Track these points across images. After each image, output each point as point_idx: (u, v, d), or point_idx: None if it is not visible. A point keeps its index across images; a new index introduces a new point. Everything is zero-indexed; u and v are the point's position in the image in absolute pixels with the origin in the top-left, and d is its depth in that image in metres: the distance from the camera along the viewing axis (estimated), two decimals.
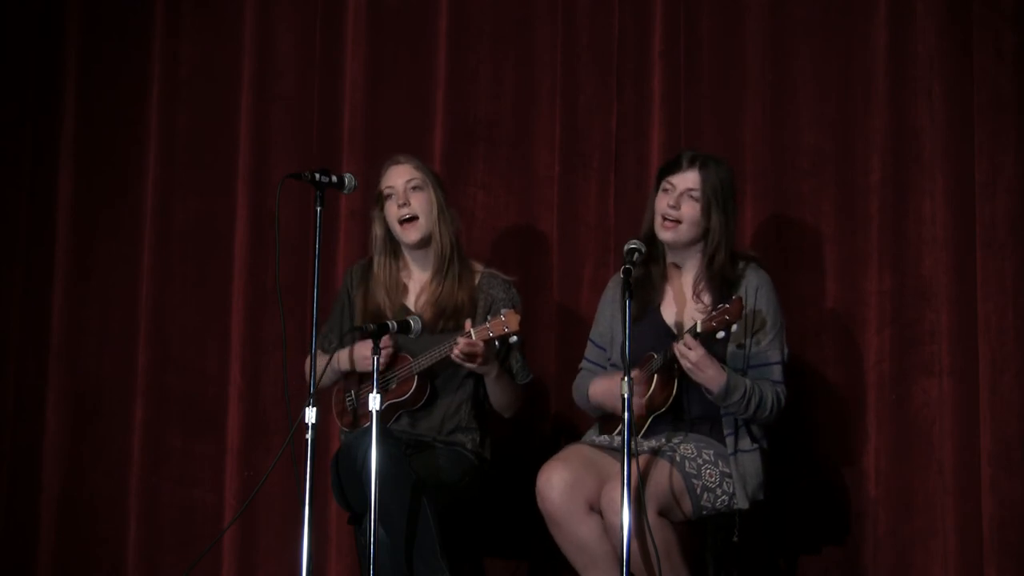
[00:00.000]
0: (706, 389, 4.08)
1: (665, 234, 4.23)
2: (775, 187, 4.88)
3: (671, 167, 4.25)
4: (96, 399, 5.58)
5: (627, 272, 3.98)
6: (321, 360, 4.44)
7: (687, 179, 4.21)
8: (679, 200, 4.20)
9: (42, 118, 5.71)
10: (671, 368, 4.12)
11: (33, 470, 5.58)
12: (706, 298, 4.25)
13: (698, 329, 4.02)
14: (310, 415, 4.05)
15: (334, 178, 4.24)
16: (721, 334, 4.00)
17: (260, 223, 5.41)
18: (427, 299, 4.53)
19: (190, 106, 5.58)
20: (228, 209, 5.47)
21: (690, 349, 4.02)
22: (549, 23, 5.19)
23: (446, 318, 4.47)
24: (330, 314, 4.64)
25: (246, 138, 5.47)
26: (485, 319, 4.33)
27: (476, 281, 4.57)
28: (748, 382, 4.10)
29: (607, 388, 4.23)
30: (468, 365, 4.33)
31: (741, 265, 4.27)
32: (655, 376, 4.14)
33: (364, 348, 4.43)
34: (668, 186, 4.23)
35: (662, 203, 4.23)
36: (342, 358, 4.50)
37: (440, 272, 4.53)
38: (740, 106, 4.93)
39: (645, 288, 4.28)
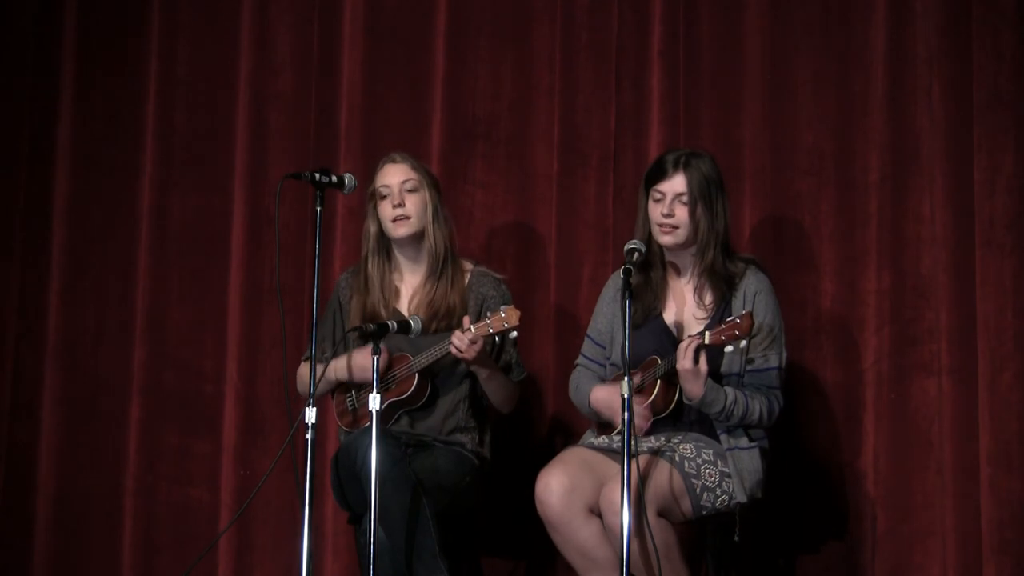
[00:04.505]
0: (686, 396, 4.11)
1: (665, 238, 4.23)
2: (774, 186, 4.88)
3: (657, 175, 4.24)
4: (92, 398, 5.57)
5: (627, 272, 3.98)
6: (316, 368, 4.45)
7: (674, 184, 4.21)
8: (672, 207, 4.20)
9: (39, 116, 5.69)
10: (675, 373, 4.12)
11: (29, 469, 5.56)
12: (707, 298, 4.26)
13: (706, 341, 4.03)
14: (310, 415, 4.05)
15: (334, 178, 4.24)
16: (729, 348, 4.02)
17: (257, 222, 5.40)
18: (420, 301, 4.52)
19: (187, 105, 5.56)
20: (225, 208, 5.46)
21: (684, 356, 4.03)
22: (548, 22, 5.18)
23: (439, 319, 4.47)
24: (321, 323, 4.62)
25: (243, 137, 5.45)
26: (483, 316, 4.33)
27: (466, 280, 4.57)
28: (730, 397, 4.11)
29: (608, 399, 4.22)
30: (465, 358, 4.31)
31: (740, 265, 4.27)
32: (659, 381, 4.15)
33: (364, 359, 4.42)
34: (658, 195, 4.23)
35: (656, 212, 4.23)
36: (338, 367, 4.50)
37: (433, 275, 4.53)
38: (739, 105, 4.92)
39: (646, 294, 4.28)
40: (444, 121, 5.23)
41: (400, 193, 4.51)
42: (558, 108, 5.13)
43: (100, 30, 5.69)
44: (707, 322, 4.21)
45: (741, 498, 4.13)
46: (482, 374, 4.43)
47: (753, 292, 4.22)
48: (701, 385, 4.06)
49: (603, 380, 4.37)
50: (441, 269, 4.53)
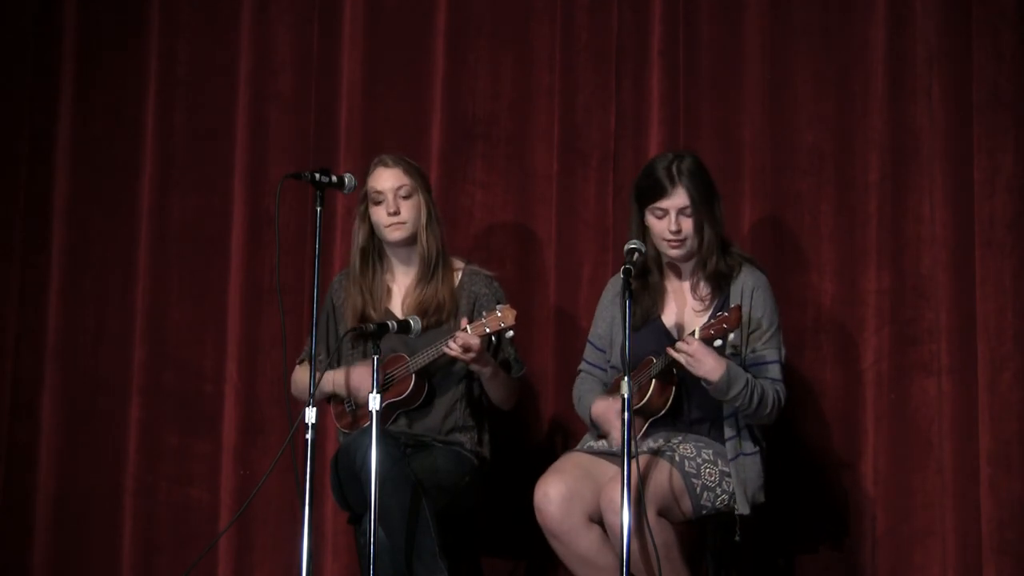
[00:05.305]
0: (706, 381, 4.04)
1: (674, 252, 4.21)
2: (773, 186, 4.87)
3: (655, 193, 4.19)
4: (92, 398, 5.56)
5: (627, 272, 3.96)
6: (308, 373, 4.45)
7: (675, 200, 4.17)
8: (678, 222, 4.18)
9: (39, 116, 5.69)
10: (670, 372, 4.12)
11: (29, 468, 5.56)
12: (704, 291, 4.25)
13: (696, 336, 4.01)
14: (310, 415, 4.05)
15: (334, 178, 4.24)
16: (719, 342, 4.00)
17: (257, 222, 5.40)
18: (411, 303, 4.52)
19: (187, 105, 5.56)
20: (225, 208, 5.46)
21: (688, 344, 4.02)
22: (548, 21, 5.17)
23: (428, 316, 4.46)
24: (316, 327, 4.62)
25: (243, 137, 5.45)
26: (480, 315, 4.32)
27: (458, 279, 4.56)
28: (749, 376, 4.09)
29: (603, 413, 4.21)
30: (464, 358, 4.31)
31: (737, 258, 4.26)
32: (653, 381, 4.14)
33: (360, 379, 4.42)
34: (660, 212, 4.19)
35: (662, 229, 4.19)
36: (336, 381, 4.50)
37: (424, 278, 4.52)
38: (739, 105, 4.92)
39: (644, 298, 4.27)
40: (444, 121, 5.23)
41: (395, 200, 4.50)
42: (558, 108, 5.12)
43: (100, 30, 5.69)
44: (704, 313, 4.21)
45: (744, 510, 4.11)
46: (485, 374, 4.43)
47: (751, 288, 4.21)
48: (718, 359, 4.01)
49: (606, 385, 4.37)
50: (432, 271, 4.53)
